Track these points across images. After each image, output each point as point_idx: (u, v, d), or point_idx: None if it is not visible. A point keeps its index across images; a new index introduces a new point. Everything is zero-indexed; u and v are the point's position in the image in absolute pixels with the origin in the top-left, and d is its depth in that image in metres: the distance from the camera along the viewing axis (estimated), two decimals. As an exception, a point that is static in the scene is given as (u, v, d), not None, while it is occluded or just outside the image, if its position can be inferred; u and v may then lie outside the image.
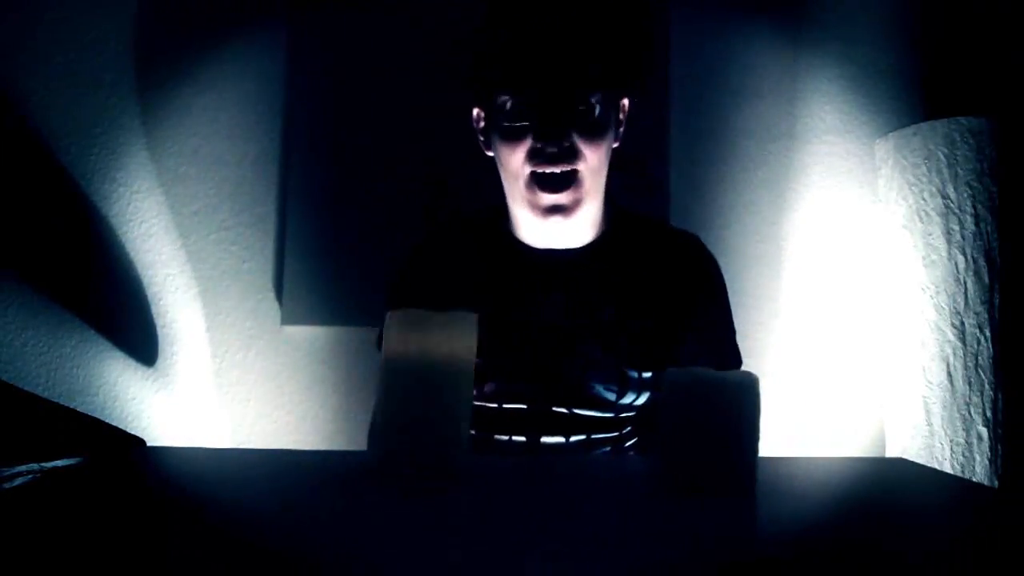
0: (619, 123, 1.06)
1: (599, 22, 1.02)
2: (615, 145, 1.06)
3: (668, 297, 1.07)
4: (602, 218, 1.09)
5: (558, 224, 1.02)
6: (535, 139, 0.96)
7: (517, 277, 1.07)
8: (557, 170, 0.97)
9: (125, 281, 1.50)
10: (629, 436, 1.07)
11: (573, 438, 1.04)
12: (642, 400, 1.05)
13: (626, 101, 1.07)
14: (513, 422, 1.04)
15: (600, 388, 1.03)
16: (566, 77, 0.96)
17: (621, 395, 1.03)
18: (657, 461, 0.70)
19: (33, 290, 1.43)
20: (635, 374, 1.03)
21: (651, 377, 1.04)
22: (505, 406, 1.04)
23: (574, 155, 0.97)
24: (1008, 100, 1.45)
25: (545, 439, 1.04)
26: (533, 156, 0.97)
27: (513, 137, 0.98)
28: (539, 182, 0.98)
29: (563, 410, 1.03)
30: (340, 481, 0.71)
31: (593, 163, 0.98)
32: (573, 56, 0.96)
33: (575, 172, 0.97)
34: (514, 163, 0.99)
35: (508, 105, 0.97)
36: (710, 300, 1.11)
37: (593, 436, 1.04)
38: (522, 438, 1.04)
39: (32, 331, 1.42)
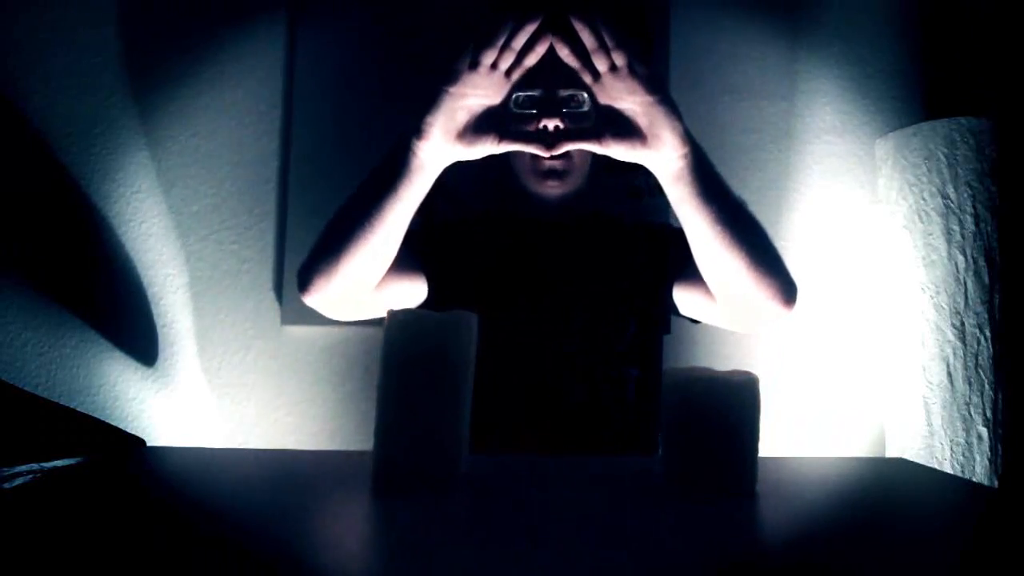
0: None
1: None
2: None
3: (644, 260, 1.21)
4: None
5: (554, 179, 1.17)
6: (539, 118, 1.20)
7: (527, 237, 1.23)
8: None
9: (125, 281, 1.50)
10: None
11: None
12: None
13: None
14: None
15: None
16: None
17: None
18: (658, 461, 0.70)
19: (33, 290, 1.43)
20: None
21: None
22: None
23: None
24: (1008, 100, 1.45)
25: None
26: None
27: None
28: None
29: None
30: (340, 481, 0.71)
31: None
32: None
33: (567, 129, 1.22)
34: None
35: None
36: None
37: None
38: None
39: (32, 331, 1.42)
